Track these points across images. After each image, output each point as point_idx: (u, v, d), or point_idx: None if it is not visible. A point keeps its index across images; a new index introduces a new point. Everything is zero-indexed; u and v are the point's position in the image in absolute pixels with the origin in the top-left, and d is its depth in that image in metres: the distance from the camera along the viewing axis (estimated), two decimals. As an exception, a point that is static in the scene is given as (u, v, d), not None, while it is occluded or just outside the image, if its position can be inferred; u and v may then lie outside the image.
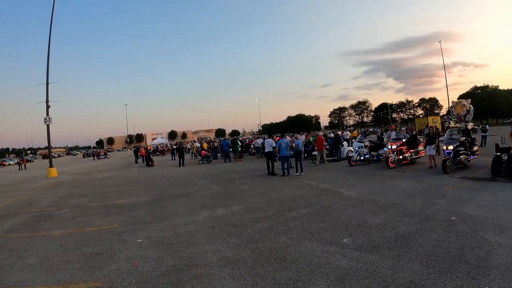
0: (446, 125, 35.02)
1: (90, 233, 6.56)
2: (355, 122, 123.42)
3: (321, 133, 21.28)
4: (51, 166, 22.17)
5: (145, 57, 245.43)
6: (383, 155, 14.72)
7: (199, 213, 7.63)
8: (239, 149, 23.99)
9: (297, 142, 13.32)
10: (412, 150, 13.45)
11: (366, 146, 15.55)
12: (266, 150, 13.92)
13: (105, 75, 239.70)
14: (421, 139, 12.00)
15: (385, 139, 15.92)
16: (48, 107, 21.40)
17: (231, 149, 23.33)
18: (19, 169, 36.16)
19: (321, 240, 5.04)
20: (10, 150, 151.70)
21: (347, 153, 17.50)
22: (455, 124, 34.33)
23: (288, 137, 15.09)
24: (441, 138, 12.20)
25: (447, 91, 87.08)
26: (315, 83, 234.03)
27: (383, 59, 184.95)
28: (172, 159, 29.53)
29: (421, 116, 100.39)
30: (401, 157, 13.18)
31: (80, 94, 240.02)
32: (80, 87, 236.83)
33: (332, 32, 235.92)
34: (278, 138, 20.27)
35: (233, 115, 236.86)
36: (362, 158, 14.94)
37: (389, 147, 13.35)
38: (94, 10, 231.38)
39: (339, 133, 25.14)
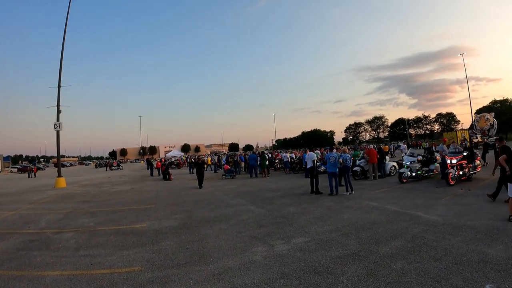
0: (474, 140, 33.21)
1: (98, 279, 4.41)
2: (370, 138, 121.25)
3: (371, 146, 19.69)
4: (59, 175, 20.36)
5: (160, 71, 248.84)
6: (434, 171, 13.93)
7: (252, 248, 5.42)
8: (267, 163, 21.64)
9: (345, 157, 11.34)
10: (470, 165, 12.20)
11: (418, 161, 13.80)
12: (308, 166, 11.90)
13: (121, 87, 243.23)
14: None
15: (436, 154, 14.54)
16: (58, 112, 19.72)
17: (258, 164, 20.91)
18: (28, 177, 35.82)
19: (458, 290, 3.42)
20: (24, 157, 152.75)
21: (389, 169, 16.23)
22: (481, 138, 32.48)
23: (335, 151, 12.91)
24: None
25: (470, 105, 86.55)
26: (328, 99, 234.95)
27: (396, 75, 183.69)
28: (190, 173, 27.75)
29: (435, 131, 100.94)
30: (461, 172, 11.75)
31: (95, 105, 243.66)
32: (95, 98, 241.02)
33: (346, 48, 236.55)
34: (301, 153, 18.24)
35: (247, 129, 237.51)
36: (414, 174, 13.29)
37: (449, 161, 11.93)
38: (113, 23, 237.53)
39: (381, 146, 23.06)
